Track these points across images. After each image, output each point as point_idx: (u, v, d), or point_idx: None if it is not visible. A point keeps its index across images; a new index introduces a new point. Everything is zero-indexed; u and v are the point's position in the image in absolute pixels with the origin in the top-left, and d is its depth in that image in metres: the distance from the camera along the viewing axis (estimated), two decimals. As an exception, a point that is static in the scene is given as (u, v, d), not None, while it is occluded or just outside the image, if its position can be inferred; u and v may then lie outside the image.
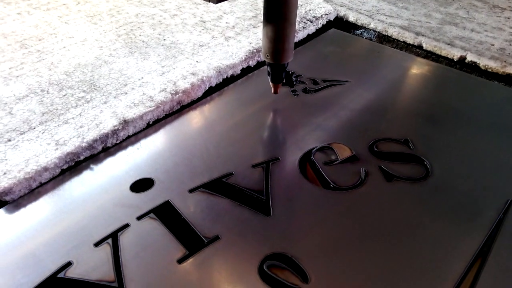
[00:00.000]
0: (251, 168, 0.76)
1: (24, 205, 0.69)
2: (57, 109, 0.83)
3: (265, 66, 1.04)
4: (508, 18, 1.33)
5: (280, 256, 0.62)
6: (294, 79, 1.00)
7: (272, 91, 0.90)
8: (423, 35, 1.19)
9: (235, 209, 0.69)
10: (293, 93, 0.96)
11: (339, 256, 0.62)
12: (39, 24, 1.13)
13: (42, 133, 0.78)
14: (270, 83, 0.89)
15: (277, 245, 0.63)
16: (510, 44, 1.16)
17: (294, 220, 0.68)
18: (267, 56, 0.81)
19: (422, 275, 0.60)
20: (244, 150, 0.81)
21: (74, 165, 0.76)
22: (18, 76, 0.92)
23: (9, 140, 0.76)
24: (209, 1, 0.70)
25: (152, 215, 0.67)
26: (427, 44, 1.16)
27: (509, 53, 1.12)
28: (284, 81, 0.95)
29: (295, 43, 1.16)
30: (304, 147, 0.81)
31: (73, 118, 0.81)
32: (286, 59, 0.82)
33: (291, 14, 0.76)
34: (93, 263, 0.60)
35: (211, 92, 0.96)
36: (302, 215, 0.68)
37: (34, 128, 0.79)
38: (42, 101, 0.86)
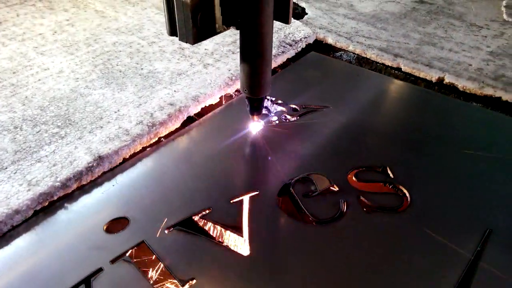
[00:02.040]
0: (229, 203, 0.75)
1: (-6, 251, 0.67)
2: (30, 147, 0.82)
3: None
4: (485, 36, 1.35)
5: (258, 298, 0.60)
6: (273, 106, 1.00)
7: (251, 120, 0.90)
8: (401, 57, 1.20)
9: (212, 248, 0.67)
10: (272, 121, 0.95)
11: (318, 296, 0.61)
12: (14, 56, 1.11)
13: (14, 173, 0.76)
14: (249, 114, 0.88)
15: (256, 285, 0.62)
16: (487, 64, 1.18)
17: (273, 258, 0.66)
18: (245, 90, 0.81)
19: (402, 313, 0.59)
20: (223, 183, 0.80)
21: (47, 205, 0.74)
22: (-10, 112, 0.91)
23: (-21, 182, 0.74)
24: (186, 42, 0.70)
25: (126, 257, 0.65)
26: (406, 66, 1.17)
27: (486, 74, 1.13)
28: (264, 111, 0.95)
29: (275, 67, 1.16)
30: (283, 178, 0.80)
31: (46, 156, 0.80)
32: (263, 93, 0.82)
33: (267, 51, 0.77)
34: (64, 313, 0.58)
35: (189, 121, 0.95)
36: (281, 252, 0.67)
37: (6, 168, 0.77)
38: (15, 138, 0.84)
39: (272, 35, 0.77)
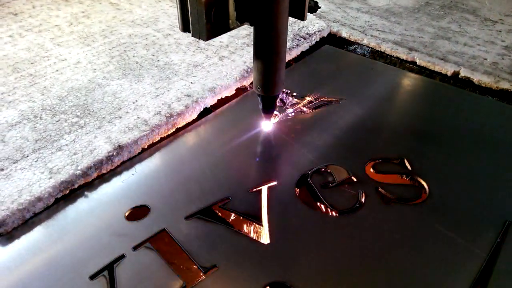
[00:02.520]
0: (248, 193, 0.75)
1: (18, 237, 0.68)
2: (50, 136, 0.83)
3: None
4: (500, 31, 1.34)
5: (279, 285, 0.61)
6: (289, 98, 1.00)
7: (264, 119, 0.90)
8: (416, 51, 1.20)
9: (232, 236, 0.68)
10: (288, 113, 0.95)
11: (339, 282, 0.62)
12: (31, 47, 1.12)
13: (36, 161, 0.77)
14: (262, 113, 0.88)
15: (276, 273, 0.63)
16: (503, 58, 1.17)
17: (292, 246, 0.67)
18: (258, 88, 0.80)
19: (423, 302, 0.59)
20: (241, 173, 0.80)
21: (68, 193, 0.75)
22: (10, 102, 0.92)
23: (2, 170, 0.75)
24: (199, 39, 0.69)
25: (148, 244, 0.66)
26: (421, 60, 1.17)
27: (502, 68, 1.13)
28: (279, 103, 0.95)
29: (289, 60, 1.17)
30: (301, 169, 0.81)
31: (66, 144, 0.81)
32: (276, 91, 0.81)
33: (281, 49, 0.76)
34: (88, 297, 0.59)
35: (206, 113, 0.96)
36: (301, 241, 0.68)
37: (27, 156, 0.78)
38: (35, 127, 0.85)
39: (287, 32, 0.76)
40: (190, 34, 0.71)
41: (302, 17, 0.77)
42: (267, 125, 0.91)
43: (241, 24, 0.73)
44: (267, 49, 0.75)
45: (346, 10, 1.45)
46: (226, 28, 0.72)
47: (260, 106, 0.85)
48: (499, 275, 0.62)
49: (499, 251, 0.65)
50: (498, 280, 0.62)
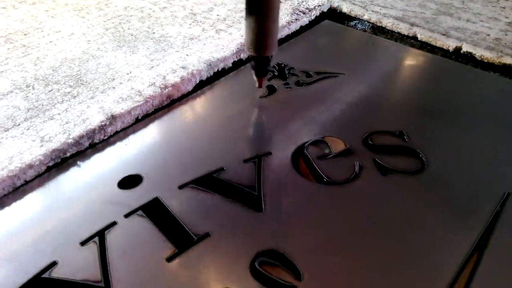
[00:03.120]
0: (242, 163, 0.74)
1: (8, 204, 0.67)
2: (42, 105, 0.81)
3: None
4: (504, 8, 1.31)
5: (272, 253, 0.60)
6: (286, 71, 0.98)
7: (257, 85, 0.87)
8: (417, 26, 1.17)
9: (226, 205, 0.67)
10: (286, 86, 0.94)
11: (333, 252, 0.61)
12: (25, 18, 1.10)
13: (27, 129, 0.75)
14: (254, 77, 0.86)
15: (269, 241, 0.62)
16: (506, 34, 1.15)
17: (286, 215, 0.66)
18: (250, 49, 0.78)
19: (418, 270, 0.58)
20: (236, 145, 0.79)
21: (60, 162, 0.74)
22: (2, 72, 0.90)
23: (-7, 137, 0.74)
24: None
25: (140, 212, 0.65)
26: (422, 35, 1.14)
27: (505, 43, 1.10)
28: (272, 74, 0.93)
29: (288, 35, 1.14)
30: (297, 141, 0.79)
31: (59, 114, 0.79)
32: (269, 52, 0.79)
33: (274, 7, 0.73)
34: (79, 263, 0.58)
35: (201, 86, 0.94)
36: (295, 211, 0.67)
37: (19, 124, 0.77)
38: (27, 96, 0.83)
39: None
40: (188, 2, 0.68)
41: None
42: (260, 92, 0.89)
43: None
44: (258, 7, 0.73)
45: (347, -14, 1.42)
46: None
47: (252, 69, 0.83)
48: (496, 244, 0.61)
49: (497, 221, 0.64)
50: (495, 250, 0.61)
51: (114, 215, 0.65)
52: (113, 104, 0.82)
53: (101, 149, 0.77)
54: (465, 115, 0.87)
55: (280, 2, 0.76)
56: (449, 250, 0.61)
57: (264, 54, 0.79)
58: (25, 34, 1.03)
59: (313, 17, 1.23)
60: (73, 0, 1.20)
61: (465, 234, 0.63)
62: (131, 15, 1.14)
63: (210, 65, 0.96)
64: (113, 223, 0.63)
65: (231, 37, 1.06)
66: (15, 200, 0.68)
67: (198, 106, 0.89)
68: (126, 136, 0.80)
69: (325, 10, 1.28)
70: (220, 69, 0.98)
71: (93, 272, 0.57)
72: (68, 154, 0.74)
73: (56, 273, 0.57)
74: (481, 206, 0.67)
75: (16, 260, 0.59)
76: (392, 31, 1.19)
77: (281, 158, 0.76)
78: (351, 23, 1.25)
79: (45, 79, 0.88)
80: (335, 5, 1.29)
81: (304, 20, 1.20)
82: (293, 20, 1.16)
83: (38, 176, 0.71)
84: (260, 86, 0.87)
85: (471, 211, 0.66)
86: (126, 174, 0.72)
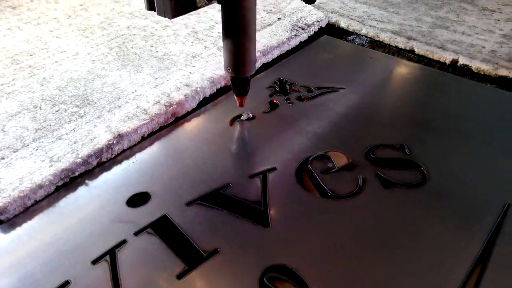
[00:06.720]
0: (248, 179, 0.76)
1: (20, 224, 0.68)
2: (50, 125, 0.83)
3: (259, 75, 1.04)
4: (498, 20, 1.34)
5: (280, 268, 0.61)
6: (288, 87, 1.00)
7: (238, 105, 0.88)
8: (414, 40, 1.20)
9: (233, 221, 0.68)
10: (288, 101, 0.95)
11: (340, 265, 0.62)
12: (30, 39, 1.12)
13: (36, 150, 0.77)
14: (235, 96, 0.86)
15: (277, 256, 0.63)
16: (501, 46, 1.17)
17: (293, 230, 0.67)
18: (228, 69, 0.78)
19: (422, 282, 0.60)
20: (241, 160, 0.81)
21: (69, 181, 0.75)
22: (10, 93, 0.92)
23: (3, 158, 0.75)
24: (165, 16, 0.67)
25: (149, 230, 0.66)
26: (419, 49, 1.17)
27: (500, 55, 1.13)
28: (274, 89, 0.95)
29: (288, 51, 1.17)
30: (301, 155, 0.81)
31: (66, 133, 0.81)
32: (248, 72, 0.79)
33: (250, 27, 0.73)
34: (91, 281, 0.60)
35: (205, 102, 0.96)
36: (301, 225, 0.68)
37: (28, 145, 0.78)
38: (35, 117, 0.85)
39: (256, 10, 0.73)
40: (156, 13, 0.68)
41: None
42: (243, 115, 0.90)
43: (209, 2, 0.70)
44: (235, 27, 0.73)
45: (344, 1, 1.45)
46: (193, 7, 0.69)
47: (232, 89, 0.83)
48: (499, 255, 0.63)
49: (499, 231, 0.66)
50: (498, 261, 0.62)
51: (124, 233, 0.66)
52: (120, 123, 0.84)
53: (109, 167, 0.79)
54: (464, 127, 0.89)
55: (255, 24, 0.75)
56: (453, 261, 0.62)
57: (242, 74, 0.79)
58: (30, 55, 1.05)
59: (312, 33, 1.25)
60: (77, 20, 1.22)
61: (468, 245, 0.64)
62: (134, 34, 1.16)
63: (213, 82, 0.98)
64: (123, 241, 0.65)
65: (232, 54, 1.08)
66: (25, 220, 0.69)
67: (202, 123, 0.90)
68: (132, 154, 0.82)
69: (324, 26, 1.30)
70: (222, 86, 1.00)
71: (105, 290, 0.58)
72: (76, 174, 0.76)
73: (69, 292, 0.58)
74: (482, 217, 0.69)
75: (29, 281, 0.60)
76: (390, 45, 1.21)
77: (285, 173, 0.77)
78: (349, 37, 1.28)
79: (52, 99, 0.90)
80: (333, 20, 1.31)
81: (303, 36, 1.22)
82: (292, 36, 1.18)
83: (48, 196, 0.72)
84: (241, 105, 0.87)
85: (473, 223, 0.68)
86: (134, 192, 0.73)
